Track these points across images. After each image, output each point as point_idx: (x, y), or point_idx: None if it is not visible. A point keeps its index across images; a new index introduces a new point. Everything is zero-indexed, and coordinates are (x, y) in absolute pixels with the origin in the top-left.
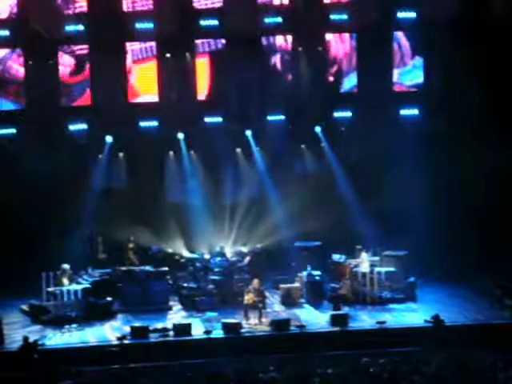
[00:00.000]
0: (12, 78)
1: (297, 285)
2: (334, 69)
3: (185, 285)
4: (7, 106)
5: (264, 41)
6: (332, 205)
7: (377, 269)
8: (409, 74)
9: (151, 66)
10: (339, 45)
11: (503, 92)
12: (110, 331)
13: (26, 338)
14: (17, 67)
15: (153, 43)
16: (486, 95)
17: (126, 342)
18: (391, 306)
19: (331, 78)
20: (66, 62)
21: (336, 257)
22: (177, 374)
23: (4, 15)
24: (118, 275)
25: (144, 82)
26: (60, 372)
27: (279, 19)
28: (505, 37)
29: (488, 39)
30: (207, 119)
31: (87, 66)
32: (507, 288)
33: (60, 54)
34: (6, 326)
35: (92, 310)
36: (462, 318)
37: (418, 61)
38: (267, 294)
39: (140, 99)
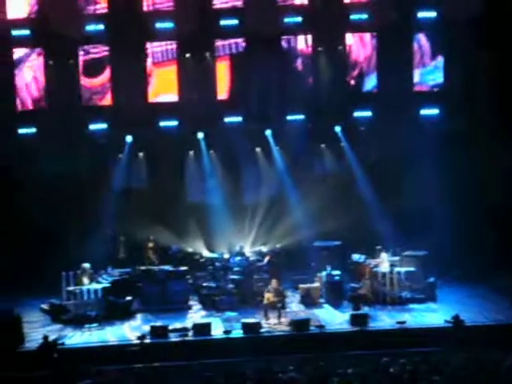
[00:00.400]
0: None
1: (316, 285)
2: (354, 68)
3: (204, 284)
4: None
5: (284, 41)
6: (352, 204)
7: (397, 269)
8: (430, 74)
9: (171, 69)
10: (359, 45)
11: None
12: (130, 330)
13: (45, 337)
14: (37, 67)
15: (173, 44)
16: (506, 95)
17: (145, 341)
18: (411, 306)
19: (351, 78)
20: (86, 62)
21: (356, 257)
22: (196, 373)
23: (23, 14)
24: (138, 274)
25: (164, 83)
26: (80, 371)
27: (299, 19)
28: None
29: (508, 39)
30: (227, 119)
31: (107, 65)
32: None
33: (80, 53)
34: (26, 325)
35: (112, 310)
36: (482, 318)
37: (440, 61)
38: (287, 293)
39: (160, 99)
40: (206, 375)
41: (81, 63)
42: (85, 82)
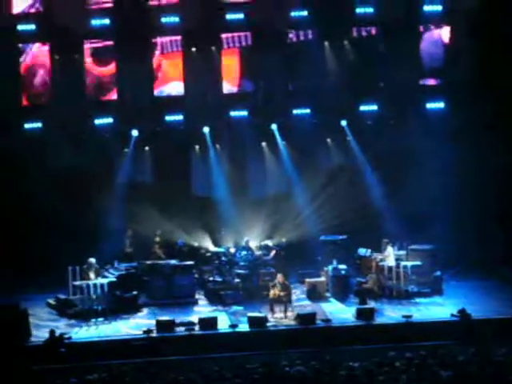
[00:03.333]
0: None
1: (322, 279)
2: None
3: (210, 279)
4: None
5: (290, 34)
6: (358, 199)
7: (403, 263)
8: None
9: (178, 60)
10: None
11: None
12: (136, 325)
13: (52, 332)
14: (43, 61)
15: (179, 37)
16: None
17: (151, 335)
18: (417, 300)
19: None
20: (95, 51)
21: (362, 251)
22: (202, 367)
23: (28, 9)
24: (144, 269)
25: (173, 73)
26: (86, 365)
27: (305, 13)
28: None
29: None
30: (233, 113)
31: (113, 60)
32: None
33: (86, 48)
34: (32, 319)
35: (118, 304)
36: (488, 312)
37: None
38: (293, 287)
39: (168, 87)
40: (212, 369)
41: (86, 57)
42: (94, 70)
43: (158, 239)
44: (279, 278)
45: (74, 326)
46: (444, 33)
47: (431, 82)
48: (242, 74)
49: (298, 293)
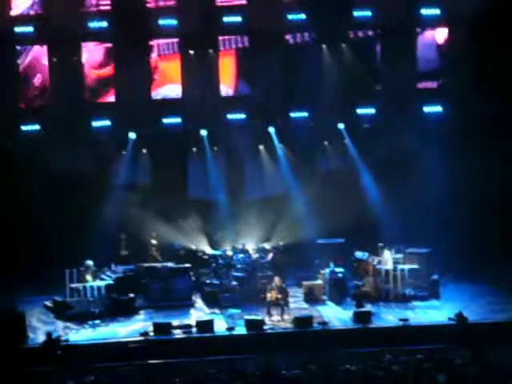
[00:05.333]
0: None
1: (319, 282)
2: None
3: (207, 281)
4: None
5: (287, 37)
6: (355, 202)
7: (400, 266)
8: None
9: (177, 62)
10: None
11: None
12: (133, 327)
13: (49, 334)
14: (41, 64)
15: (176, 40)
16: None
17: (148, 338)
18: (414, 303)
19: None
20: (89, 59)
21: (359, 254)
22: (199, 370)
23: (27, 11)
24: (141, 271)
25: (169, 75)
26: (83, 368)
27: (303, 16)
28: None
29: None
30: (230, 116)
31: (111, 62)
32: None
33: (84, 50)
34: (29, 321)
35: (115, 306)
36: (485, 315)
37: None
38: (290, 290)
39: (164, 90)
40: (209, 372)
41: (84, 60)
42: (88, 78)
43: (154, 242)
44: (276, 280)
45: (71, 328)
46: (438, 34)
47: (428, 85)
48: (238, 75)
49: (295, 296)
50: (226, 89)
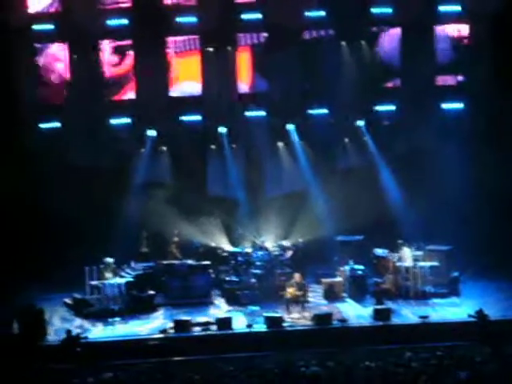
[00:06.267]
0: (56, 71)
1: (339, 279)
2: (376, 62)
3: (227, 279)
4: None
5: (306, 34)
6: (375, 199)
7: (420, 263)
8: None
9: (194, 60)
10: (383, 38)
11: None
12: (153, 325)
13: (68, 331)
14: (61, 61)
15: (195, 37)
16: None
17: (168, 335)
18: (434, 300)
19: (374, 72)
20: (109, 56)
21: (379, 251)
22: (219, 367)
23: (48, 8)
24: (161, 269)
25: (185, 72)
26: (102, 365)
27: (322, 13)
28: None
29: None
30: (249, 113)
31: (130, 60)
32: None
33: (103, 47)
34: (49, 319)
35: (135, 304)
36: (506, 312)
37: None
38: (309, 288)
39: (181, 87)
40: (228, 369)
41: (104, 57)
42: (108, 76)
43: (176, 239)
44: (297, 277)
45: (90, 325)
46: (457, 30)
47: (448, 81)
48: (256, 72)
49: (314, 293)
50: (244, 86)
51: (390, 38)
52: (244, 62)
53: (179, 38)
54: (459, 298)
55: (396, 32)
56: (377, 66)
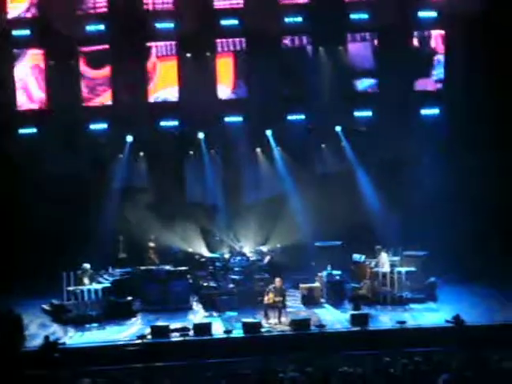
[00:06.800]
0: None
1: (317, 284)
2: (355, 68)
3: (205, 284)
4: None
5: (284, 40)
6: (352, 204)
7: (397, 269)
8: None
9: (172, 65)
10: (360, 44)
11: None
12: (131, 330)
13: (46, 337)
14: (38, 67)
15: (173, 42)
16: (507, 94)
17: (146, 341)
18: (411, 305)
19: (351, 78)
20: (86, 62)
21: (356, 257)
22: (196, 373)
23: (24, 14)
24: (139, 274)
25: (166, 77)
26: (80, 371)
27: (299, 19)
28: None
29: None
30: (227, 119)
31: (108, 66)
32: None
33: (81, 53)
34: (26, 325)
35: (112, 309)
36: (482, 317)
37: (440, 60)
38: (287, 293)
39: (162, 93)
40: (206, 375)
41: (81, 63)
42: (88, 73)
43: (152, 245)
44: (277, 282)
45: (68, 331)
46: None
47: (426, 87)
48: (236, 78)
49: (292, 298)
50: (224, 91)
51: (367, 44)
52: (224, 68)
53: (161, 43)
54: (436, 303)
55: (373, 37)
56: (354, 72)
